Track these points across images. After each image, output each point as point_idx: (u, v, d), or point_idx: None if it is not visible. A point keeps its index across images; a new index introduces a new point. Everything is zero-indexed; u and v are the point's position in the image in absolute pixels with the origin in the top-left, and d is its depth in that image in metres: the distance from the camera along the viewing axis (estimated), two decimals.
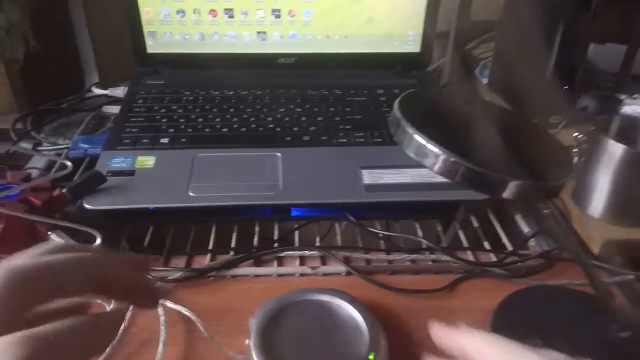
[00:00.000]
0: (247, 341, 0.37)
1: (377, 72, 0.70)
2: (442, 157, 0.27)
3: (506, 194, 0.28)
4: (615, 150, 0.46)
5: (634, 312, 0.44)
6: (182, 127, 0.58)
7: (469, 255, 0.50)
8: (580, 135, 0.54)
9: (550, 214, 0.32)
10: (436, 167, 0.28)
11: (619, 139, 0.47)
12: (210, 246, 0.50)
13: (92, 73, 0.84)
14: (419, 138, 0.28)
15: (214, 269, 0.47)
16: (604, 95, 0.57)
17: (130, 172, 0.51)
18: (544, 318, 0.42)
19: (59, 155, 0.62)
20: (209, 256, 0.49)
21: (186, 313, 0.40)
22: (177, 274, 0.46)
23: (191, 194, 0.50)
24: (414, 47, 0.71)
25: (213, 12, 0.65)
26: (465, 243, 0.52)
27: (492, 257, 0.50)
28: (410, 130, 0.29)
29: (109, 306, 0.40)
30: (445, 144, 0.27)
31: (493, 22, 0.89)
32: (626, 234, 0.47)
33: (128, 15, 0.66)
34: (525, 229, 0.54)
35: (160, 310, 0.41)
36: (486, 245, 0.52)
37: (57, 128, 0.70)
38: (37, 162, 0.62)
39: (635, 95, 0.59)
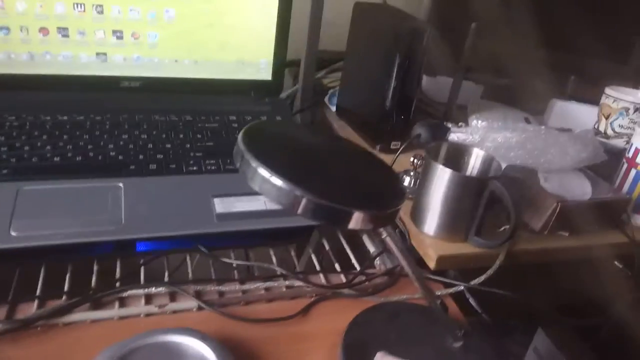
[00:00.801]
0: None
1: (229, 99, 0.70)
2: (285, 189, 0.27)
3: (351, 225, 0.29)
4: (443, 174, 0.51)
5: (464, 321, 0.48)
6: (4, 157, 0.51)
7: (322, 279, 0.52)
8: (416, 160, 0.59)
9: (388, 235, 0.34)
10: (281, 201, 0.28)
11: (447, 163, 0.52)
12: (38, 292, 0.44)
13: None
14: (263, 171, 0.28)
15: (43, 317, 0.41)
16: (434, 123, 0.63)
17: None
18: (390, 333, 0.44)
19: None
20: (36, 303, 0.43)
21: None
22: None
23: (13, 234, 0.43)
24: (266, 74, 0.72)
25: (44, 30, 0.59)
26: (317, 267, 0.53)
27: (343, 278, 0.52)
28: (254, 163, 0.28)
29: None
30: (290, 176, 0.28)
31: (341, 52, 0.95)
32: (456, 248, 0.52)
33: None
34: (372, 248, 0.57)
35: None
36: (337, 267, 0.54)
37: None
38: None
39: (460, 124, 0.66)
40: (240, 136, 0.30)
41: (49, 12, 0.59)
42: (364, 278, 0.52)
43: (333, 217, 0.29)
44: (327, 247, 0.56)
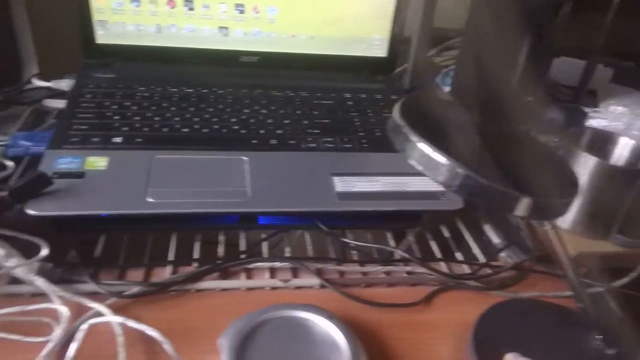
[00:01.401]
0: None
1: (343, 75, 0.68)
2: (456, 170, 0.25)
3: (518, 211, 0.26)
4: (587, 162, 0.46)
5: (620, 328, 0.44)
6: (137, 125, 0.53)
7: (443, 267, 0.49)
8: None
9: (554, 229, 0.31)
10: (442, 179, 0.26)
11: (590, 151, 0.47)
12: (171, 257, 0.46)
13: (30, 63, 0.76)
14: (425, 148, 0.26)
15: (177, 283, 0.43)
16: (571, 107, 0.58)
17: (80, 174, 0.46)
18: (521, 332, 0.41)
19: None
20: (169, 268, 0.44)
21: (150, 333, 0.36)
22: (135, 289, 0.41)
23: (149, 200, 0.45)
24: (380, 51, 0.70)
25: (171, 2, 0.61)
26: (438, 254, 0.51)
27: (465, 269, 0.49)
28: (414, 138, 0.26)
29: None
30: (452, 153, 0.26)
31: (454, 30, 0.90)
32: (596, 245, 0.48)
33: (76, 1, 0.60)
34: (495, 239, 0.54)
35: (117, 329, 0.37)
36: (459, 256, 0.51)
37: None
38: None
39: (595, 109, 0.60)
40: (396, 110, 0.29)
41: None
42: (490, 271, 0.49)
43: (498, 201, 0.27)
44: (447, 234, 0.54)
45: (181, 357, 0.36)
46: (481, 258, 0.51)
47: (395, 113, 0.29)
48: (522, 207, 0.27)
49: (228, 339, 0.36)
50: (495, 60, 0.67)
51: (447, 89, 0.80)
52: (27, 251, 0.41)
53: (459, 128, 0.30)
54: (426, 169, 0.26)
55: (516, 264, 0.50)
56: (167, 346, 0.35)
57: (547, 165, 0.33)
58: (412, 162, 0.27)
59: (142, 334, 0.37)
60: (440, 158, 0.26)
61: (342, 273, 0.47)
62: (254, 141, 0.54)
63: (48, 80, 0.67)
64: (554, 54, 0.84)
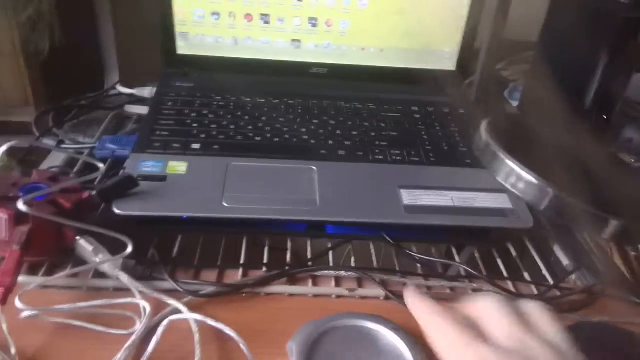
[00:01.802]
0: None
1: (410, 88, 0.69)
2: (546, 189, 0.25)
3: (605, 234, 0.26)
4: None
5: None
6: (214, 133, 0.56)
7: (509, 286, 0.49)
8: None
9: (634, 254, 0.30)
10: (530, 197, 0.26)
11: None
12: (242, 260, 0.48)
13: (112, 71, 0.81)
14: (514, 166, 0.26)
15: (248, 286, 0.45)
16: None
17: (162, 178, 0.49)
18: (590, 356, 0.40)
19: (79, 154, 0.59)
20: (240, 271, 0.46)
21: (227, 332, 0.38)
22: (210, 289, 0.44)
23: (225, 205, 0.47)
24: (450, 64, 0.69)
25: (249, 16, 0.64)
26: (505, 273, 0.50)
27: (534, 290, 0.48)
28: (502, 155, 0.27)
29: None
30: (541, 172, 0.26)
31: (525, 43, 0.88)
32: None
33: (160, 14, 0.64)
34: (564, 260, 0.53)
35: (194, 327, 0.39)
36: (526, 276, 0.50)
37: (76, 125, 0.67)
38: (55, 161, 0.60)
39: None
40: (484, 127, 0.29)
41: None
42: (558, 293, 0.48)
43: (586, 222, 0.26)
44: (514, 253, 0.53)
45: (254, 358, 0.37)
46: (550, 279, 0.50)
47: (483, 130, 0.29)
48: (611, 229, 0.26)
49: (297, 343, 0.37)
50: (569, 75, 0.66)
51: (514, 103, 0.78)
52: (111, 248, 0.44)
53: (546, 147, 0.30)
54: (514, 187, 0.26)
55: (586, 287, 0.48)
56: (243, 346, 0.37)
57: (634, 187, 0.32)
58: (500, 180, 0.27)
59: (217, 333, 0.39)
60: (529, 177, 0.26)
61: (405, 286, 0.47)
62: (323, 151, 0.56)
63: (131, 88, 0.71)
64: (632, 70, 0.80)
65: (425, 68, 0.69)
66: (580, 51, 0.64)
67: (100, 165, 0.48)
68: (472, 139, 0.30)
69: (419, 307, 0.32)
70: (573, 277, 0.50)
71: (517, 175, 0.26)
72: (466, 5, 0.65)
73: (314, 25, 0.65)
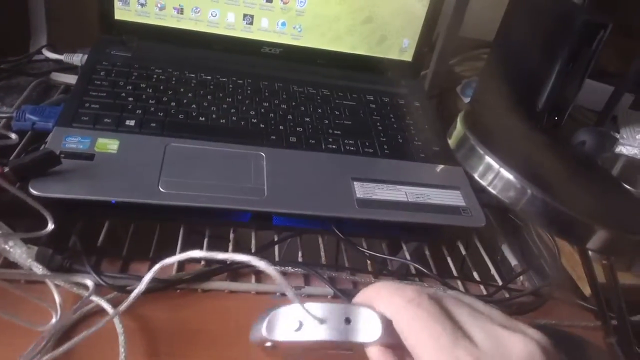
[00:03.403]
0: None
1: (366, 76, 0.66)
2: (517, 185, 0.23)
3: (590, 244, 0.24)
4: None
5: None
6: (152, 109, 0.51)
7: (459, 285, 0.47)
8: None
9: (607, 264, 0.29)
10: (510, 197, 0.24)
11: (622, 179, 0.45)
12: (178, 251, 0.43)
13: (39, 33, 0.72)
14: (491, 161, 0.24)
15: (184, 281, 0.40)
16: (602, 131, 0.56)
17: (89, 156, 0.43)
18: None
19: None
20: (176, 265, 0.42)
21: (154, 334, 0.34)
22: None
23: (162, 190, 0.42)
24: (407, 55, 0.67)
25: None
26: (454, 272, 0.49)
27: (483, 290, 0.47)
28: (481, 151, 0.24)
29: None
30: (521, 171, 0.23)
31: (478, 40, 0.88)
32: (621, 276, 0.46)
33: None
34: (513, 261, 0.52)
35: (119, 328, 0.34)
36: (476, 275, 0.49)
37: None
38: None
39: (617, 134, 0.59)
40: (461, 118, 0.27)
41: None
42: (507, 294, 0.47)
43: (569, 228, 0.25)
44: (463, 251, 0.52)
45: None
46: (498, 279, 0.49)
47: (460, 123, 0.26)
48: (598, 239, 0.24)
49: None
50: (523, 76, 0.65)
51: (466, 99, 0.78)
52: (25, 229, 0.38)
53: (526, 145, 0.28)
54: (491, 185, 0.24)
55: (535, 288, 0.48)
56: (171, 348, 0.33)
57: (617, 195, 0.30)
58: (476, 176, 0.25)
59: (144, 334, 0.35)
60: (509, 175, 0.24)
61: (355, 284, 0.45)
62: (273, 137, 0.52)
63: (59, 54, 0.64)
64: (585, 76, 0.82)
65: (382, 57, 0.67)
66: (535, 53, 0.63)
67: (13, 135, 0.41)
68: (447, 131, 0.27)
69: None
70: (521, 278, 0.50)
71: (495, 173, 0.24)
72: None
73: (269, 1, 0.60)
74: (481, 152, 0.24)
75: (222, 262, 0.42)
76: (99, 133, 0.46)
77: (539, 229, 0.41)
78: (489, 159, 0.24)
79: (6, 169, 0.39)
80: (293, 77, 0.62)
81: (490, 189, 0.24)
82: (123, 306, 0.34)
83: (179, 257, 0.36)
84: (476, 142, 0.24)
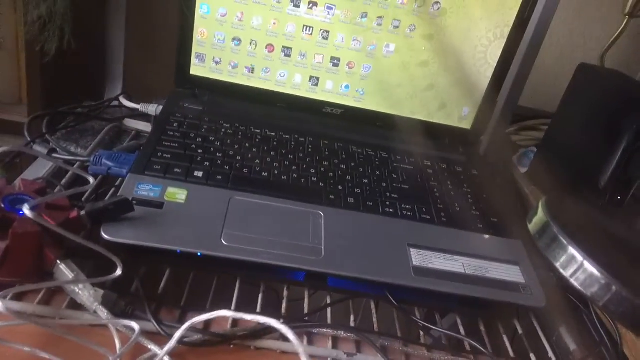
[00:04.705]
0: None
1: (424, 141, 0.66)
2: (611, 288, 0.23)
3: None
4: None
5: None
6: (219, 162, 0.53)
7: None
8: None
9: None
10: (592, 291, 0.23)
11: None
12: (233, 306, 0.44)
13: (116, 82, 0.78)
14: (577, 255, 0.24)
15: (238, 337, 0.40)
16: None
17: (159, 205, 0.45)
18: None
19: (69, 164, 0.55)
20: (230, 320, 0.42)
21: None
22: (196, 336, 0.39)
23: (224, 243, 0.44)
24: (466, 123, 0.68)
25: (270, 46, 0.61)
26: (510, 351, 0.47)
27: None
28: (565, 241, 0.24)
29: None
30: (605, 265, 0.23)
31: (536, 110, 0.88)
32: None
33: (179, 32, 0.61)
34: (571, 345, 0.50)
35: None
36: (533, 358, 0.47)
37: (69, 133, 0.63)
38: (42, 167, 0.56)
39: None
40: (542, 205, 0.26)
41: (280, 30, 0.61)
42: None
43: None
44: (520, 330, 0.50)
45: None
46: None
47: (542, 209, 0.26)
48: None
49: None
50: (585, 150, 0.64)
51: (523, 169, 0.77)
52: (96, 272, 0.39)
53: (606, 235, 0.27)
54: (574, 277, 0.24)
55: None
56: None
57: None
58: (558, 266, 0.25)
59: None
60: (594, 269, 0.23)
61: (407, 355, 0.44)
62: (332, 196, 0.53)
63: (135, 102, 0.68)
64: None
65: (441, 123, 0.67)
66: (599, 129, 0.63)
67: (91, 179, 0.44)
68: (527, 215, 0.27)
69: None
70: None
71: (579, 264, 0.23)
72: (492, 67, 0.64)
73: (336, 65, 0.63)
74: (565, 242, 0.24)
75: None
76: (169, 182, 0.48)
77: (618, 324, 0.39)
78: (573, 251, 0.23)
79: (82, 213, 0.42)
80: (353, 137, 0.64)
81: (572, 280, 0.23)
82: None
83: (208, 315, 0.38)
84: (559, 232, 0.24)
